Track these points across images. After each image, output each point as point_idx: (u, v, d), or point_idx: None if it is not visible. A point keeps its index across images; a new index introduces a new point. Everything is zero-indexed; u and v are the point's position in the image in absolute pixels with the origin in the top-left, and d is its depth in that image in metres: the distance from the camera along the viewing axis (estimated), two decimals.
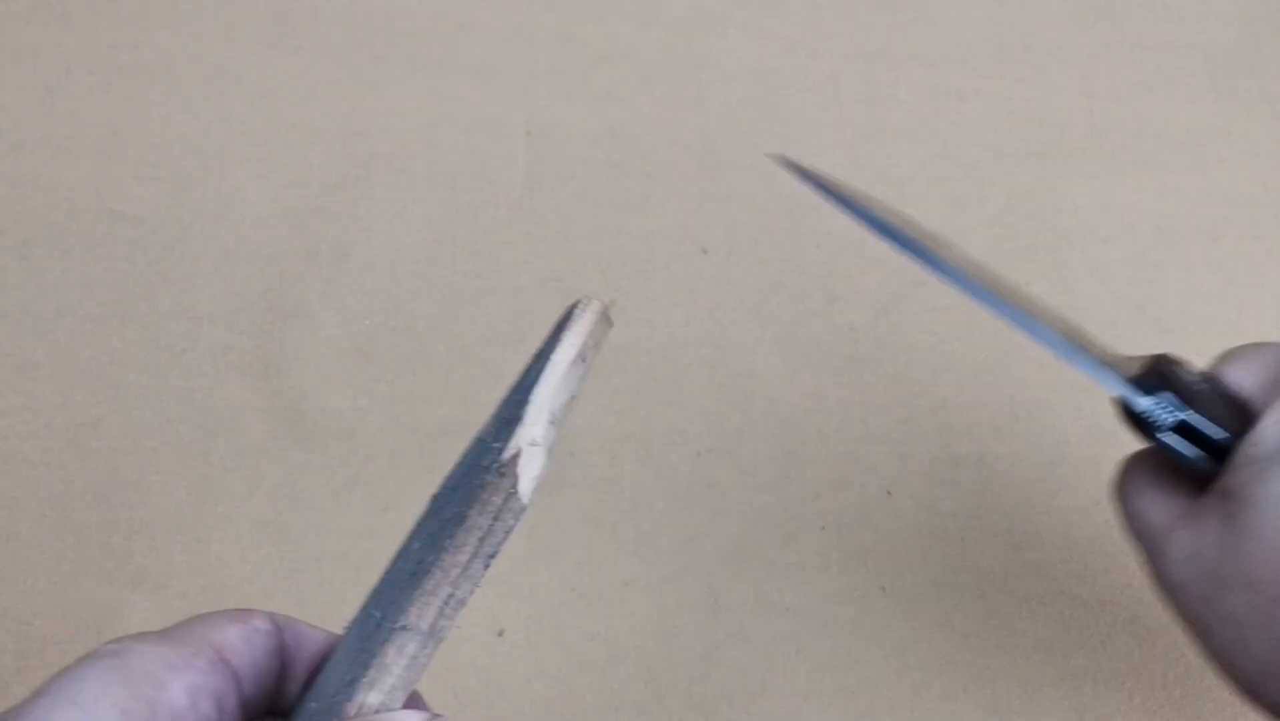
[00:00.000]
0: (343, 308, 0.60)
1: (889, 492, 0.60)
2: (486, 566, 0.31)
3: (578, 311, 0.33)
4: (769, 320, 0.63)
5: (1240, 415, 0.33)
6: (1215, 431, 0.32)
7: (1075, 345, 0.34)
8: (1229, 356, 0.35)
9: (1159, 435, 0.33)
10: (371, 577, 0.34)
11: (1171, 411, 0.32)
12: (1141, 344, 0.65)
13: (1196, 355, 0.65)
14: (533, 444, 0.31)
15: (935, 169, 0.67)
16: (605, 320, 0.34)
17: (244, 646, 0.31)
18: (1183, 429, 0.32)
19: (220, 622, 0.31)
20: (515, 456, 0.32)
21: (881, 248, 0.65)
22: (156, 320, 0.59)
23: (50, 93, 0.63)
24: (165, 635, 0.30)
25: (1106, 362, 0.34)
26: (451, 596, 0.31)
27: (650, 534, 0.57)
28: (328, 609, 0.54)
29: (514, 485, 0.32)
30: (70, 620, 0.53)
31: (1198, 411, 0.32)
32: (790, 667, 0.55)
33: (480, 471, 0.32)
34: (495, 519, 0.31)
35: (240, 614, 0.32)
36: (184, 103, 0.64)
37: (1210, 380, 0.34)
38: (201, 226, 0.61)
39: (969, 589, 0.57)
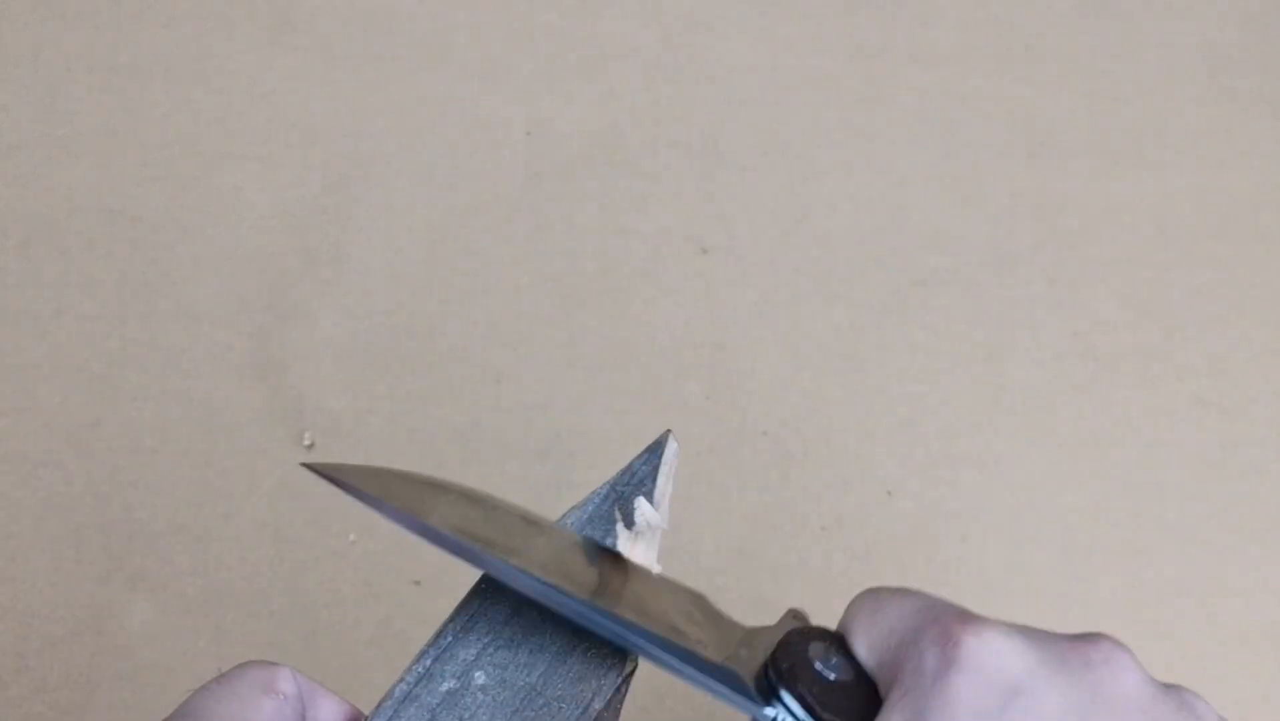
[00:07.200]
0: (343, 307, 0.60)
1: (889, 493, 0.60)
2: None
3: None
4: (769, 320, 0.63)
5: (865, 699, 0.30)
6: None
7: (680, 647, 0.30)
8: (853, 619, 0.32)
9: None
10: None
11: None
12: (1140, 347, 0.65)
13: (1196, 358, 0.65)
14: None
15: (935, 169, 0.67)
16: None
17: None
18: None
19: (251, 696, 0.30)
20: (634, 667, 0.31)
21: (883, 247, 0.66)
22: (156, 320, 0.59)
23: (50, 93, 0.63)
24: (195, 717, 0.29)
25: (717, 664, 0.30)
26: None
27: None
28: (328, 609, 0.54)
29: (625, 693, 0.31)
30: (70, 620, 0.53)
31: (825, 712, 0.29)
32: None
33: (599, 667, 0.31)
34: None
35: (270, 675, 0.30)
36: (184, 103, 0.64)
37: (838, 654, 0.31)
38: (201, 226, 0.61)
39: (969, 589, 0.57)
